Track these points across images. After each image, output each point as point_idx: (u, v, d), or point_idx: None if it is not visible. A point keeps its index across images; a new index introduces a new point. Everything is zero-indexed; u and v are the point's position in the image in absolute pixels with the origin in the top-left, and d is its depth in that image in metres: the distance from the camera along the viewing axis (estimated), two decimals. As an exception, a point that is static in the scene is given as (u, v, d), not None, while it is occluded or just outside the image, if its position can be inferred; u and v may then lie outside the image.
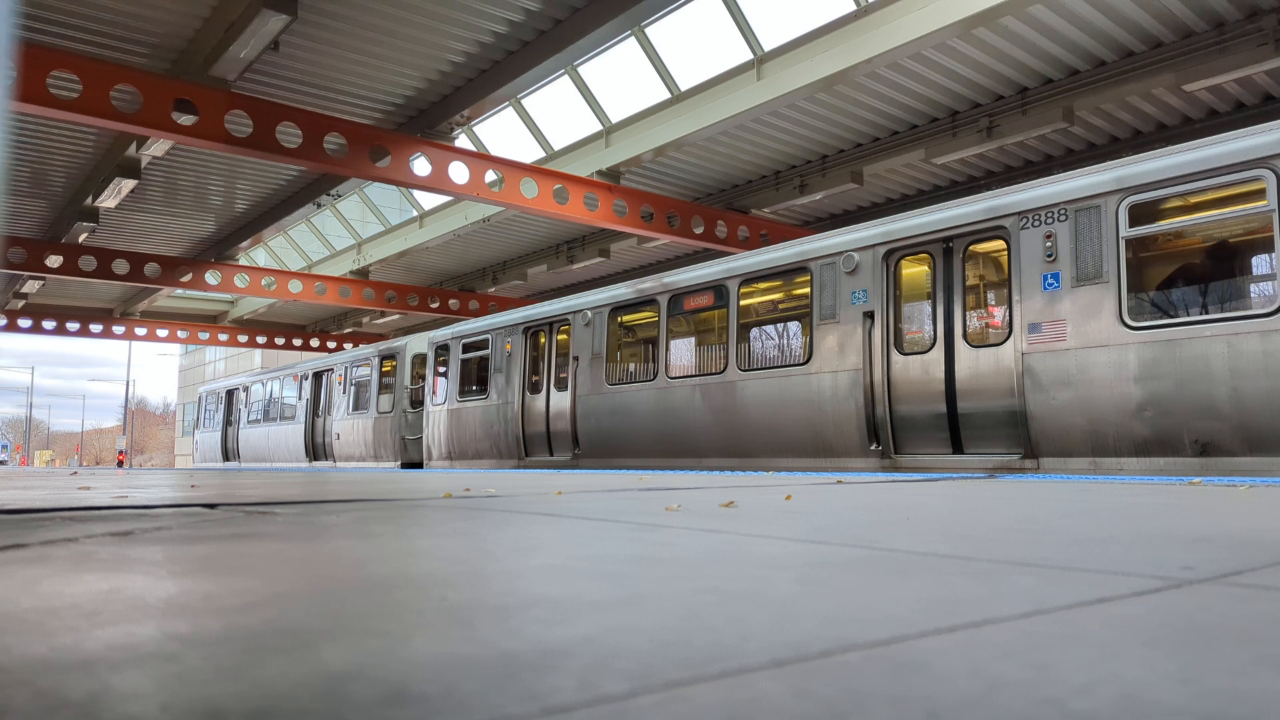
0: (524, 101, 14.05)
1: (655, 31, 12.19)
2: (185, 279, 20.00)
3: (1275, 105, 11.62)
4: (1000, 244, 7.93)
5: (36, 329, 25.62)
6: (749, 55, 11.78)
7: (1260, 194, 6.34)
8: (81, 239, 18.15)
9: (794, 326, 10.26)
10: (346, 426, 17.90)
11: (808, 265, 9.32)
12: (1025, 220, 7.55)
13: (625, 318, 11.96)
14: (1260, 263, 7.30)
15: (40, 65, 9.97)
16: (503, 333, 13.53)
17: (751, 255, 10.13)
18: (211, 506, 3.43)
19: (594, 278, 21.78)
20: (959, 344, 7.99)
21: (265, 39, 10.16)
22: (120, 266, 19.31)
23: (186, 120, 10.86)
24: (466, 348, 14.28)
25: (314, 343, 29.68)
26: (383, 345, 17.38)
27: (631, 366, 12.12)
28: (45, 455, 57.92)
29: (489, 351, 13.75)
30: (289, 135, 11.66)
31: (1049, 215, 7.39)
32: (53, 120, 12.52)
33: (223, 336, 28.75)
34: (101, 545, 2.09)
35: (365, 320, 28.10)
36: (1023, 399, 7.41)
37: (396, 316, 26.39)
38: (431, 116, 13.02)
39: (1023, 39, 10.65)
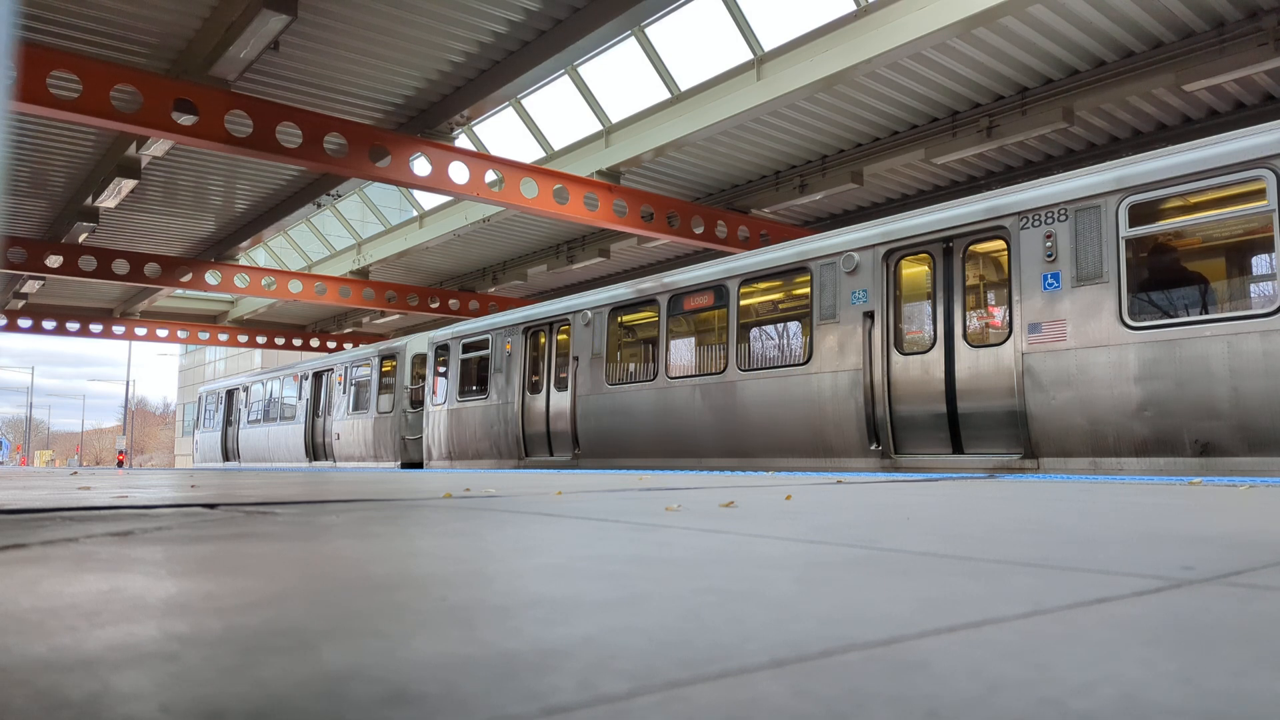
0: (524, 101, 14.05)
1: (655, 31, 12.20)
2: (185, 279, 20.00)
3: (1275, 105, 11.62)
4: (1000, 244, 7.93)
5: (36, 329, 25.62)
6: (749, 55, 11.78)
7: (1260, 194, 6.34)
8: (81, 239, 18.15)
9: (794, 326, 10.26)
10: (346, 426, 17.90)
11: (808, 265, 9.32)
12: (1025, 220, 7.55)
13: (625, 318, 11.96)
14: (1260, 263, 7.31)
15: (40, 65, 9.97)
16: (503, 333, 13.53)
17: (751, 255, 10.13)
18: (211, 506, 3.43)
19: (594, 278, 21.78)
20: (959, 344, 7.99)
21: (265, 39, 10.16)
22: (120, 266, 19.31)
23: (186, 120, 10.86)
24: (466, 348, 14.28)
25: (314, 343, 29.68)
26: (383, 345, 17.38)
27: (631, 366, 12.12)
28: (45, 455, 57.89)
29: (489, 351, 13.75)
30: (289, 135, 11.66)
31: (1049, 215, 7.39)
32: (53, 120, 12.52)
33: (223, 336, 28.75)
34: (101, 545, 2.09)
35: (365, 320, 28.10)
36: (1023, 399, 7.41)
37: (396, 316, 26.39)
38: (431, 116, 13.02)
39: (1023, 39, 10.65)
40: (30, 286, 21.87)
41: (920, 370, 8.23)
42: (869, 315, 8.62)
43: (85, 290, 24.06)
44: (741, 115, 12.03)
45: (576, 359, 12.02)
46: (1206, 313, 6.76)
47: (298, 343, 29.76)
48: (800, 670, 0.89)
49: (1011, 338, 7.55)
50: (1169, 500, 3.36)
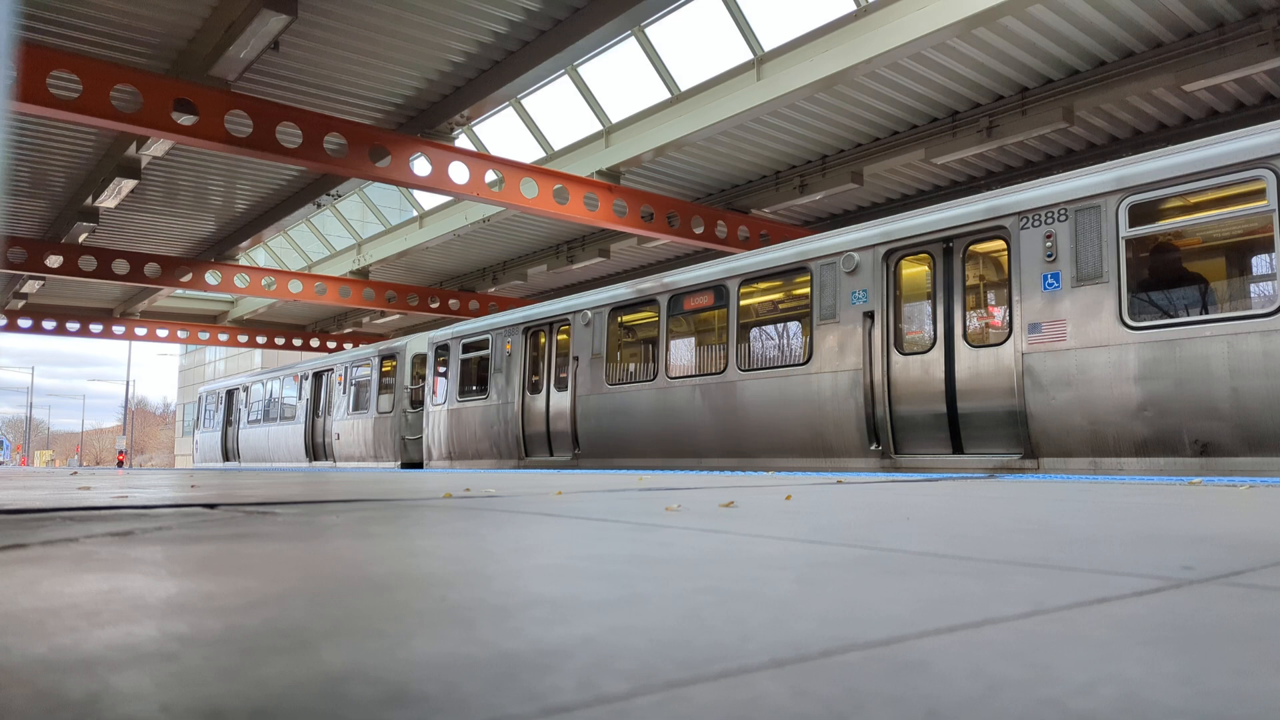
0: (524, 101, 14.05)
1: (655, 31, 12.20)
2: (185, 279, 20.01)
3: (1275, 105, 11.62)
4: (1000, 244, 7.93)
5: (36, 329, 25.62)
6: (749, 55, 11.78)
7: (1260, 194, 6.34)
8: (81, 239, 18.15)
9: (794, 326, 10.26)
10: (346, 426, 17.90)
11: (808, 265, 9.32)
12: (1025, 220, 7.55)
13: (625, 318, 11.96)
14: (1260, 263, 7.31)
15: (40, 65, 9.97)
16: (503, 333, 13.53)
17: (751, 255, 10.13)
18: (211, 506, 3.43)
19: (594, 278, 21.78)
20: (959, 344, 7.99)
21: (265, 39, 10.16)
22: (120, 266, 19.31)
23: (186, 120, 10.86)
24: (466, 348, 14.28)
25: (314, 343, 29.67)
26: (383, 345, 17.37)
27: (631, 366, 12.12)
28: (45, 455, 57.89)
29: (489, 351, 13.75)
30: (289, 135, 11.66)
31: (1049, 215, 7.39)
32: (53, 120, 12.51)
33: (223, 336, 28.75)
34: (101, 545, 2.09)
35: (365, 320, 28.10)
36: (1023, 399, 7.41)
37: (396, 316, 26.39)
38: (431, 116, 13.03)
39: (1023, 39, 10.65)
40: (30, 286, 21.87)
41: (920, 370, 8.23)
42: (869, 315, 8.62)
43: (85, 290, 24.06)
44: (741, 115, 12.03)
45: (576, 359, 12.02)
46: (1206, 313, 6.76)
47: (298, 343, 29.75)
48: (800, 670, 0.89)
49: (1011, 338, 7.55)
50: (1169, 500, 3.36)
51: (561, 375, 12.51)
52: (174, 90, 10.82)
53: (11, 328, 25.16)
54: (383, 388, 17.13)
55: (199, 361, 60.14)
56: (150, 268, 19.64)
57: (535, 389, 12.95)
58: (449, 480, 6.47)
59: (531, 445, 12.87)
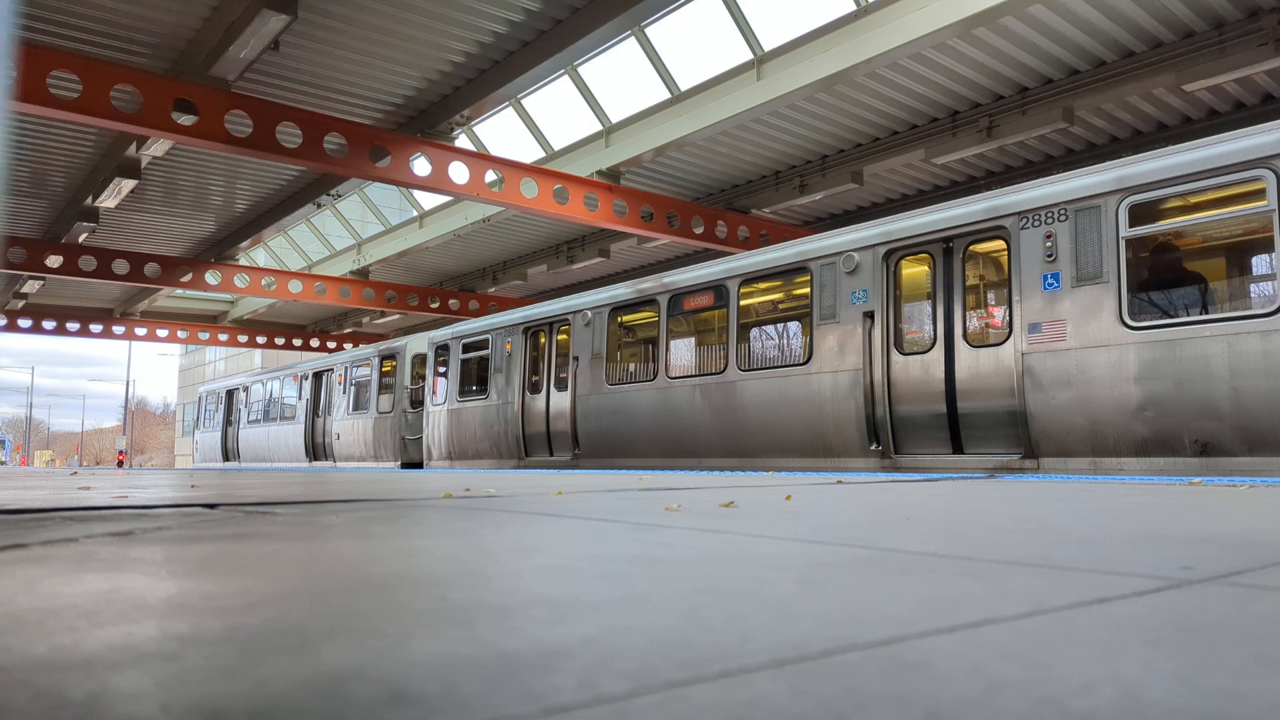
0: (524, 101, 14.05)
1: (655, 31, 12.20)
2: (185, 279, 20.01)
3: (1275, 105, 11.62)
4: (1000, 244, 7.93)
5: (36, 329, 25.62)
6: (749, 55, 11.78)
7: (1260, 194, 6.34)
8: (81, 239, 18.15)
9: (794, 326, 10.26)
10: (346, 426, 17.90)
11: (808, 265, 9.32)
12: (1025, 220, 7.55)
13: (625, 318, 11.96)
14: (1260, 263, 7.31)
15: (40, 65, 9.97)
16: (503, 333, 13.53)
17: (751, 255, 10.13)
18: (211, 506, 3.43)
19: (594, 278, 21.78)
20: (959, 344, 7.99)
21: (265, 39, 10.16)
22: (120, 266, 19.32)
23: (186, 120, 10.86)
24: (466, 348, 14.29)
25: (314, 343, 29.68)
26: (383, 345, 17.37)
27: (631, 366, 12.12)
28: (45, 455, 57.90)
29: (489, 351, 13.75)
30: (289, 135, 11.66)
31: (1049, 215, 7.39)
32: (53, 120, 12.52)
33: (223, 336, 28.75)
34: (101, 545, 2.09)
35: (365, 320, 28.10)
36: (1023, 399, 7.41)
37: (396, 316, 26.39)
38: (431, 116, 13.03)
39: (1023, 39, 10.65)
40: (30, 286, 21.87)
41: (920, 370, 8.23)
42: (869, 315, 8.62)
43: (85, 290, 24.06)
44: (741, 115, 12.03)
45: (576, 359, 12.02)
46: (1206, 313, 6.76)
47: (298, 343, 29.75)
48: (800, 670, 0.89)
49: (1011, 338, 7.55)
50: (1169, 500, 3.36)
51: (561, 375, 12.51)
52: (174, 90, 10.82)
53: (11, 328, 25.16)
54: (383, 388, 17.14)
55: (199, 361, 60.13)
56: (150, 268, 19.65)
57: (535, 389, 12.95)
58: (449, 480, 6.46)
59: (531, 445, 12.87)
